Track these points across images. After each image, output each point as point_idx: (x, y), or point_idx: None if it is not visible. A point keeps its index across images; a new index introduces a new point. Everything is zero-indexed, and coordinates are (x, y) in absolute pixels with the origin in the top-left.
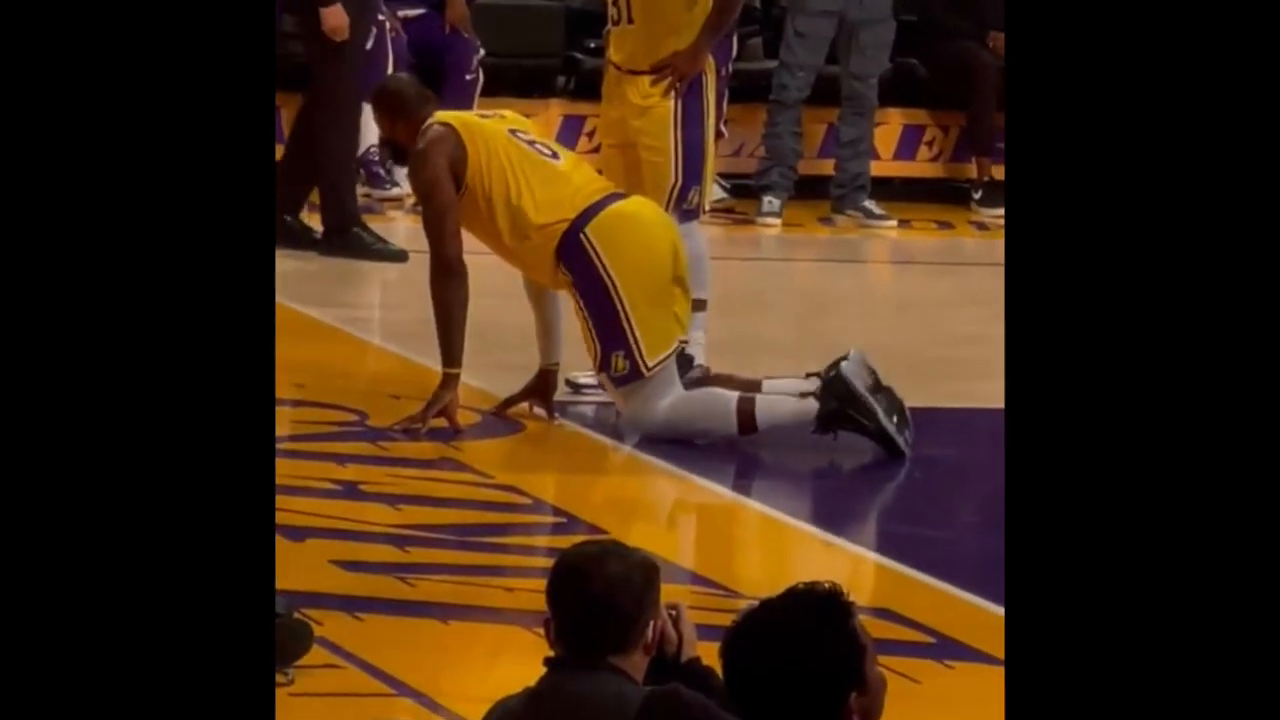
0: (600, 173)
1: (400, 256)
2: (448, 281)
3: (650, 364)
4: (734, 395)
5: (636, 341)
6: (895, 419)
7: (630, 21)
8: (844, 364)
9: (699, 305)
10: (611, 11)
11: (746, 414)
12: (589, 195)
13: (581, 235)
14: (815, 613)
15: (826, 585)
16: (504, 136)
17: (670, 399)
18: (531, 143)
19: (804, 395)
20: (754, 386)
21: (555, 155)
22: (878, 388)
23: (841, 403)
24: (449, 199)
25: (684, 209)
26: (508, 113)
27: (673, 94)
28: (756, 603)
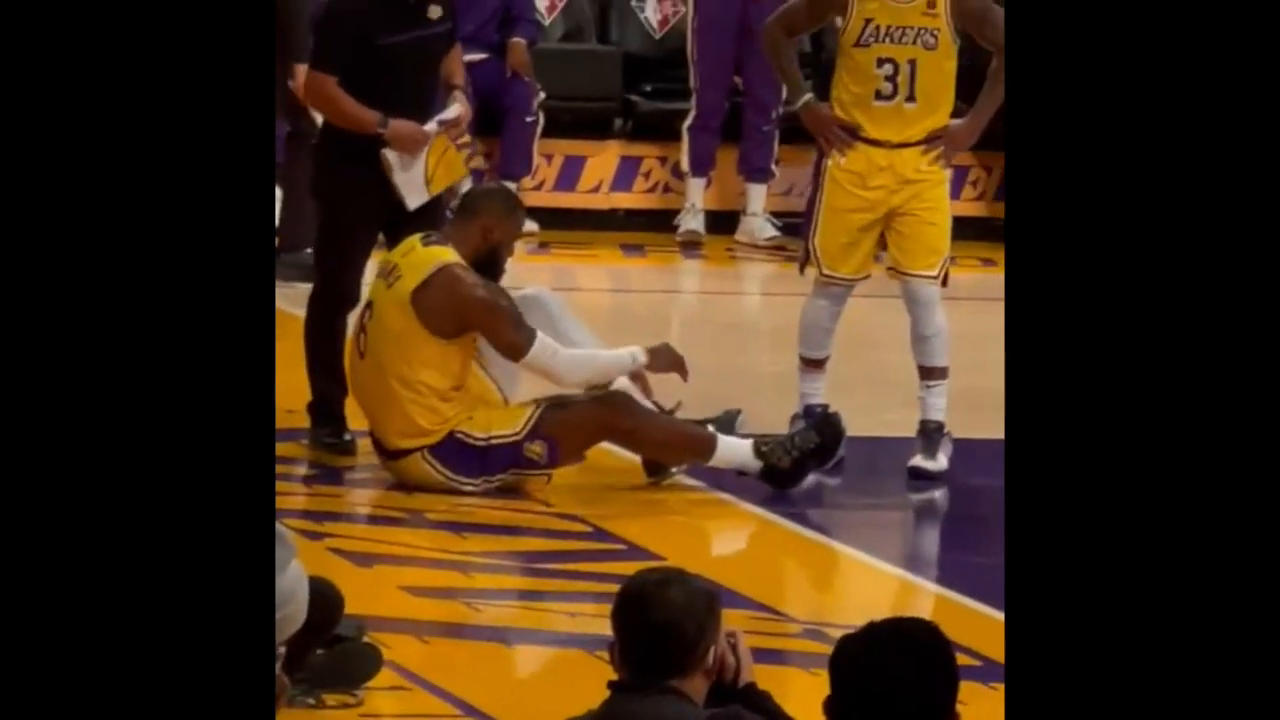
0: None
1: None
2: None
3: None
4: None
5: None
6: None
7: (912, 100)
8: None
9: (942, 373)
10: (883, 88)
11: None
12: None
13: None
14: (917, 649)
15: (926, 623)
16: None
17: None
18: None
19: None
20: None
21: None
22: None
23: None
24: None
25: (941, 278)
26: None
27: (943, 163)
28: (856, 630)
